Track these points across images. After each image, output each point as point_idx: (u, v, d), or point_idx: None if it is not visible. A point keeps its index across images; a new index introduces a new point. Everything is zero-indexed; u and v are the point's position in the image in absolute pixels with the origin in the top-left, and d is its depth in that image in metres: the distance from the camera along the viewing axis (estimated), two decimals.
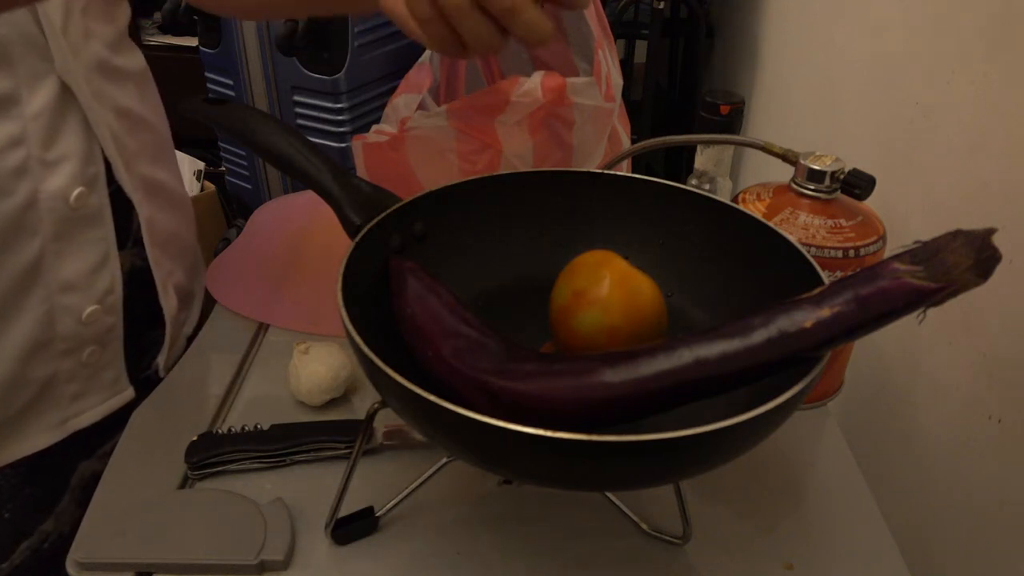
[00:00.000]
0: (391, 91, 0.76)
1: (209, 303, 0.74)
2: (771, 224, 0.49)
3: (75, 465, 0.62)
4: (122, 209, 0.58)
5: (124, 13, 0.61)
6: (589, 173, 0.56)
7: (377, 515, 0.51)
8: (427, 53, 0.76)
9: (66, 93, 0.52)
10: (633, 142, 0.72)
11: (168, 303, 0.65)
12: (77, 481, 0.62)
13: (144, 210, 0.60)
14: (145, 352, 0.66)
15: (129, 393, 0.63)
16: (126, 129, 0.59)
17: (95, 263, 0.57)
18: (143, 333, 0.65)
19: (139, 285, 0.62)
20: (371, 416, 0.49)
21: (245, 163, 1.62)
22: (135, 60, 0.62)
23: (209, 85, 1.55)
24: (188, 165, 1.76)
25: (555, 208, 0.55)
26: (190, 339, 0.72)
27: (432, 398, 0.35)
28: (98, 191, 0.56)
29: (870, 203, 0.59)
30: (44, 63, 0.51)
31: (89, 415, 0.61)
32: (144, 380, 0.66)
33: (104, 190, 0.56)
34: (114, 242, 0.58)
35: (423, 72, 0.74)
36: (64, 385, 0.58)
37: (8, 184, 0.50)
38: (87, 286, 0.57)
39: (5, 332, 0.53)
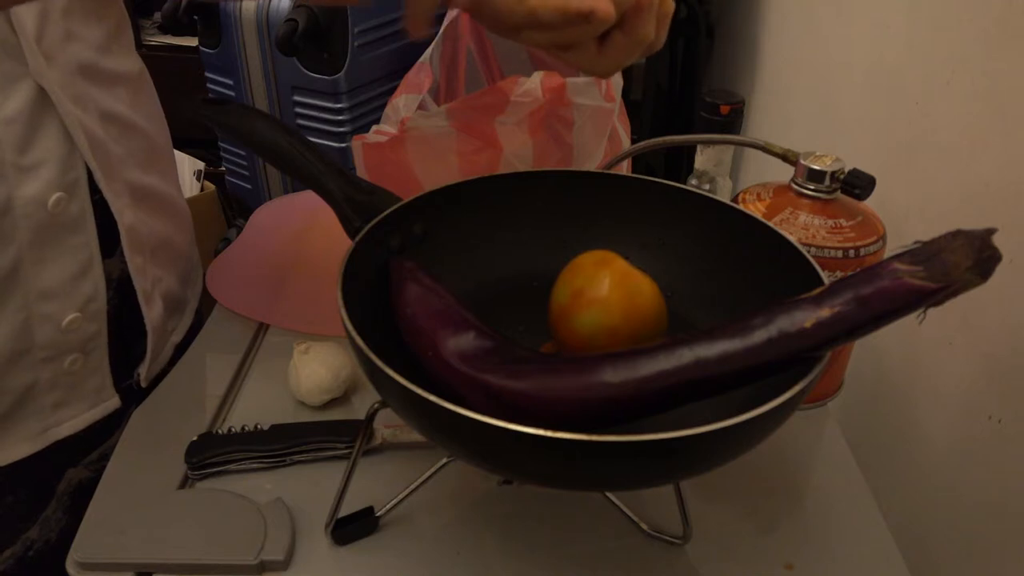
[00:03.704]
0: (391, 91, 0.76)
1: (209, 303, 0.74)
2: (771, 224, 0.49)
3: (62, 472, 0.60)
4: (110, 216, 0.57)
5: (115, 12, 0.58)
6: (589, 173, 0.56)
7: (377, 515, 0.51)
8: (427, 53, 0.76)
9: (43, 97, 0.50)
10: (633, 142, 0.72)
11: (152, 312, 0.63)
12: (65, 488, 0.61)
13: (126, 217, 0.58)
14: (135, 361, 0.65)
15: (114, 402, 0.62)
16: (113, 135, 0.57)
17: (76, 270, 0.55)
18: (133, 342, 0.63)
19: (128, 293, 0.61)
20: (371, 416, 0.49)
21: (245, 163, 1.62)
22: (129, 63, 0.60)
23: (209, 85, 1.54)
24: (188, 165, 1.76)
25: (555, 208, 0.55)
26: (180, 347, 0.70)
27: (432, 398, 0.35)
28: (79, 197, 0.54)
29: (870, 203, 0.59)
30: (18, 66, 0.49)
31: (71, 424, 0.59)
32: (126, 389, 0.64)
33: (86, 196, 0.54)
34: (97, 249, 0.56)
35: (423, 72, 0.74)
36: (45, 394, 0.57)
37: None
38: (67, 293, 0.55)
39: None
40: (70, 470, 0.61)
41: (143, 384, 0.65)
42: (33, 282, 0.53)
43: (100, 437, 0.62)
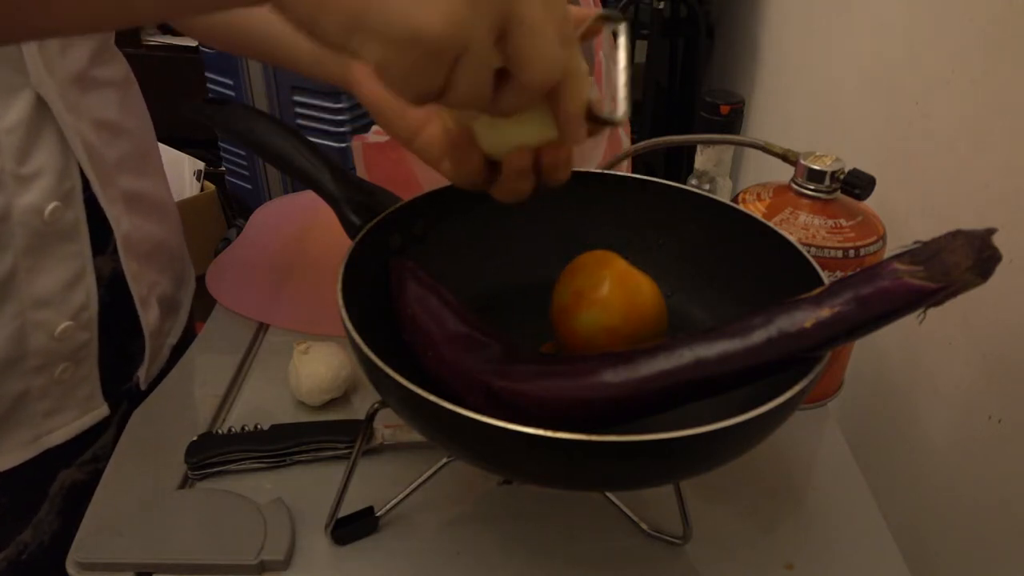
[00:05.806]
0: None
1: (209, 303, 0.74)
2: (771, 224, 0.49)
3: (54, 474, 0.60)
4: (99, 216, 0.57)
5: None
6: (589, 173, 0.56)
7: (377, 515, 0.51)
8: None
9: (42, 107, 0.51)
10: (633, 142, 0.72)
11: (149, 316, 0.63)
12: (57, 490, 0.60)
13: (123, 225, 0.59)
14: (126, 363, 0.64)
15: (103, 411, 0.62)
16: (105, 141, 0.57)
17: (70, 279, 0.55)
18: (124, 343, 0.63)
19: (119, 292, 0.60)
20: (371, 416, 0.49)
21: (245, 163, 1.62)
22: (116, 69, 0.61)
23: (209, 85, 1.55)
24: (188, 165, 1.76)
25: (555, 208, 0.55)
26: (175, 348, 0.70)
27: (432, 398, 0.35)
28: (74, 206, 0.54)
29: (870, 203, 0.60)
30: (19, 76, 0.49)
31: (62, 432, 0.59)
32: (126, 392, 0.64)
33: (80, 205, 0.55)
34: (90, 257, 0.56)
35: None
36: (36, 402, 0.57)
37: None
38: (61, 302, 0.55)
39: None
40: (63, 472, 0.61)
41: (142, 387, 0.65)
42: (28, 290, 0.53)
43: (91, 438, 0.62)
